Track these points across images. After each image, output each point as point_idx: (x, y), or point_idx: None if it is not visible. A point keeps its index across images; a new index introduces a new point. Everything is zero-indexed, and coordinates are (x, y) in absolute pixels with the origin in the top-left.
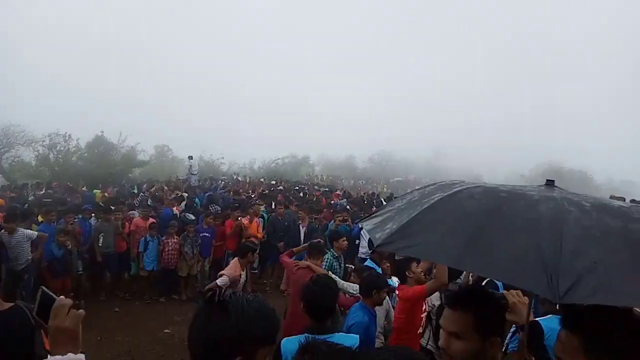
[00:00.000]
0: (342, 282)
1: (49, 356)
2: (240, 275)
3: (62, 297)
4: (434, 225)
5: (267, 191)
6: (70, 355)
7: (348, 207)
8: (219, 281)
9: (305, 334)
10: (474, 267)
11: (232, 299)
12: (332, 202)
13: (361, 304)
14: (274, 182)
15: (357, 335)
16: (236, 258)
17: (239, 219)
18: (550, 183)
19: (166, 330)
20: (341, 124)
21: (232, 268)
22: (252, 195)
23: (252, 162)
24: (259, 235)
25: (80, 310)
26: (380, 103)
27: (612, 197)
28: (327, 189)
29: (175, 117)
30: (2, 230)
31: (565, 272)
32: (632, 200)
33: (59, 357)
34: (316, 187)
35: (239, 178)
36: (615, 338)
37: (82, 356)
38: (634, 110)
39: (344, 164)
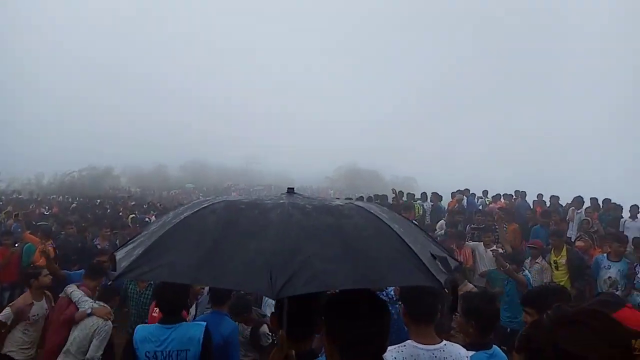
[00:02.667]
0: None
1: None
2: (32, 304)
3: None
4: (176, 245)
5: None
6: None
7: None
8: (1, 316)
9: (157, 324)
10: (208, 280)
11: None
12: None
13: None
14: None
15: (204, 323)
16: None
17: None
18: (290, 190)
19: None
20: (150, 130)
21: (22, 298)
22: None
23: (40, 177)
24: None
25: None
26: (193, 108)
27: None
28: (133, 203)
29: None
30: None
31: (283, 269)
32: (347, 198)
33: None
34: (121, 201)
35: (20, 197)
36: None
37: None
38: (415, 110)
39: (155, 173)
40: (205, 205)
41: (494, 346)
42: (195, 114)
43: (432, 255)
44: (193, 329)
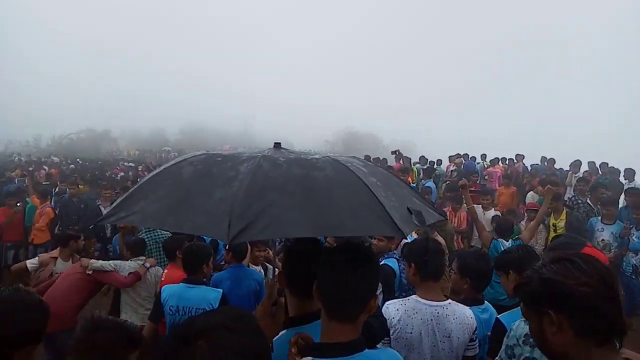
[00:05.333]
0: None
1: None
2: (57, 259)
3: None
4: (151, 192)
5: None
6: None
7: None
8: (28, 262)
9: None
10: (172, 226)
11: None
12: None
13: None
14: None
15: (221, 290)
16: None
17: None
18: (277, 145)
19: None
20: (149, 95)
21: (51, 252)
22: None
23: (38, 139)
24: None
25: None
26: (188, 70)
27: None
28: (132, 164)
29: None
30: None
31: (241, 216)
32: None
33: None
34: (122, 164)
35: (22, 159)
36: None
37: None
38: (416, 71)
39: (152, 136)
40: (187, 157)
41: (485, 302)
42: (192, 76)
43: (408, 209)
44: (211, 292)
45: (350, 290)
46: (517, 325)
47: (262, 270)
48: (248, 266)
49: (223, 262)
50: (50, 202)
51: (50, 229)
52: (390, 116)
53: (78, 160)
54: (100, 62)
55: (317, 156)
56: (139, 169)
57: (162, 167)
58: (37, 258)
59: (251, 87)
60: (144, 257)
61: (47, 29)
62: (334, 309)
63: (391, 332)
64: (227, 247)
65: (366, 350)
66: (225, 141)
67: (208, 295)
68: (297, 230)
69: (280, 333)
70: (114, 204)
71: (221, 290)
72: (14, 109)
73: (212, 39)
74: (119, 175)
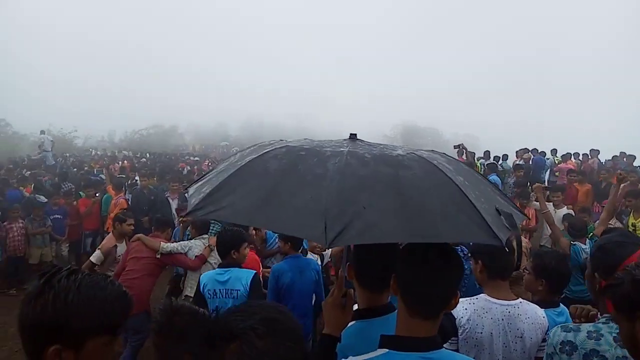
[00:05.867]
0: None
1: None
2: (116, 245)
3: None
4: (238, 187)
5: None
6: None
7: None
8: (93, 258)
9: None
10: (263, 223)
11: (60, 283)
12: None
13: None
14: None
15: (254, 271)
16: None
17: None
18: (353, 137)
19: None
20: (213, 91)
21: (107, 241)
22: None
23: (112, 135)
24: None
25: None
26: (250, 68)
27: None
28: (197, 159)
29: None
30: None
31: (337, 219)
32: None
33: None
34: (186, 158)
35: (98, 152)
36: None
37: None
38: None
39: (215, 131)
40: (269, 149)
41: (561, 305)
42: (253, 73)
43: (497, 210)
44: (243, 273)
45: (433, 287)
46: (554, 332)
47: (318, 259)
48: (305, 254)
49: (276, 248)
50: (124, 193)
51: None
52: (450, 109)
53: (147, 154)
54: (171, 64)
55: (400, 151)
56: (205, 163)
57: (246, 160)
58: (98, 251)
59: (307, 84)
60: (207, 236)
61: (119, 33)
62: (416, 305)
63: (459, 331)
64: (284, 238)
65: (442, 348)
66: (282, 135)
67: (241, 276)
68: (393, 236)
69: (350, 324)
70: (201, 196)
71: (254, 271)
72: (90, 107)
73: (271, 43)
74: (185, 170)
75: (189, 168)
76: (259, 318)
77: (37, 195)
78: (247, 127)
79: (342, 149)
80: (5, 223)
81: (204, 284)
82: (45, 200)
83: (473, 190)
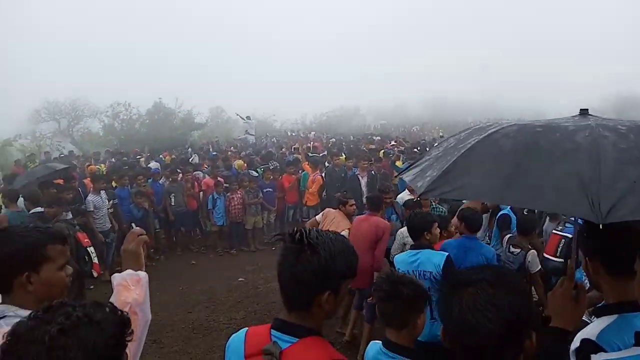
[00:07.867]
0: None
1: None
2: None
3: (136, 228)
4: (473, 167)
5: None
6: (129, 270)
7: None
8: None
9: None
10: (516, 200)
11: (319, 238)
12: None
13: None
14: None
15: (446, 253)
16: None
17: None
18: (584, 112)
19: (240, 279)
20: (391, 73)
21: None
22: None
23: (304, 117)
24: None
25: (142, 236)
26: (430, 48)
27: None
28: (378, 138)
29: (225, 77)
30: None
31: (606, 194)
32: None
33: (118, 274)
34: (369, 138)
35: (293, 134)
36: None
37: (143, 273)
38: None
39: (395, 111)
40: (496, 129)
41: None
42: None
43: None
44: (435, 255)
45: None
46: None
47: None
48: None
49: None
50: (320, 171)
51: (319, 194)
52: None
53: (335, 135)
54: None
55: None
56: (390, 143)
57: (470, 142)
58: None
59: (493, 60)
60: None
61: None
62: None
63: None
64: (459, 216)
65: None
66: (468, 113)
67: (433, 258)
68: None
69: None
70: (430, 179)
71: (446, 254)
72: (286, 95)
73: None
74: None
75: (372, 146)
76: (490, 272)
77: (249, 170)
78: (429, 105)
79: (587, 122)
80: (228, 194)
81: (397, 265)
82: (257, 174)
83: None
